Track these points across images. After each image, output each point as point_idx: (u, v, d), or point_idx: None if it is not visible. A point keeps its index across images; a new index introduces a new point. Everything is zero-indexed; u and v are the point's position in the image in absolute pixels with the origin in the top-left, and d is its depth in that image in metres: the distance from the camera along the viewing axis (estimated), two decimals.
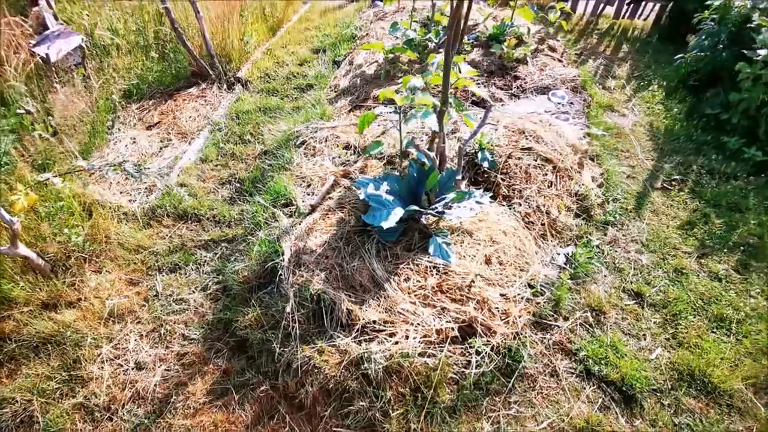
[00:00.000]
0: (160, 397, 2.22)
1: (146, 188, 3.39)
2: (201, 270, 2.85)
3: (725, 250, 2.96)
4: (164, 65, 4.62)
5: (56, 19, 3.86)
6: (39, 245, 2.74)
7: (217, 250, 2.97)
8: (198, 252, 2.95)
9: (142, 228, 3.09)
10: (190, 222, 3.17)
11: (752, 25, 3.93)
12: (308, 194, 3.13)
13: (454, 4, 2.26)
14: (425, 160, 2.80)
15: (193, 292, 2.71)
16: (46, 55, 3.45)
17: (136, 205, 3.21)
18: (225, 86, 4.65)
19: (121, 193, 3.34)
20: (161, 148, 3.84)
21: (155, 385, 2.26)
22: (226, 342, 2.43)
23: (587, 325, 2.54)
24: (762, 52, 3.53)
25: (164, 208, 3.20)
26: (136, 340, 2.46)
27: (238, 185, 3.45)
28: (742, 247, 2.97)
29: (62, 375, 2.28)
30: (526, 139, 3.46)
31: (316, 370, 2.16)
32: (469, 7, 4.35)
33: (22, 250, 2.52)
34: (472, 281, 2.47)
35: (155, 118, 4.16)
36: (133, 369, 2.33)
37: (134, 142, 3.83)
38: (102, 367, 2.32)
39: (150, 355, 2.39)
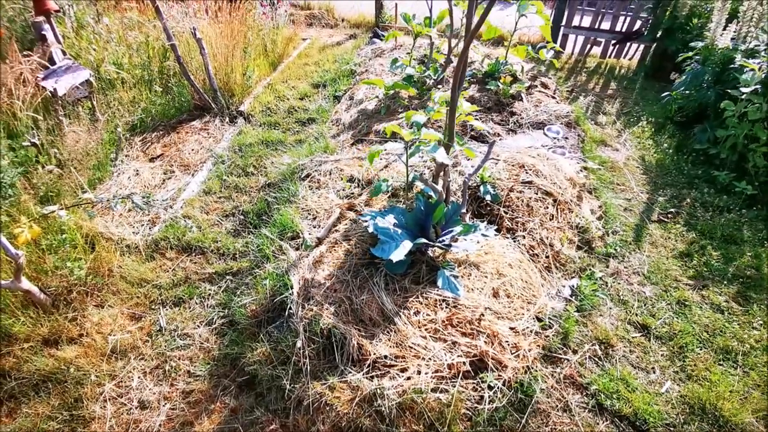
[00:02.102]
0: None
1: (149, 220, 3.38)
2: (206, 304, 2.82)
3: (725, 282, 3.02)
4: (167, 99, 4.69)
5: (64, 54, 3.92)
6: (40, 279, 2.69)
7: (222, 283, 2.94)
8: (202, 285, 2.92)
9: (145, 261, 3.06)
10: (194, 254, 3.15)
11: (735, 66, 4.15)
12: (314, 227, 3.14)
13: (463, 45, 2.37)
14: (431, 194, 2.85)
15: (198, 326, 2.67)
16: (54, 89, 3.49)
17: (138, 238, 3.19)
18: (227, 119, 4.72)
19: (123, 225, 3.32)
20: (164, 180, 3.85)
21: (160, 425, 2.19)
22: (233, 379, 2.37)
23: (596, 359, 2.55)
24: (746, 90, 3.71)
25: (168, 241, 3.18)
26: (139, 377, 2.39)
27: (242, 217, 3.45)
28: (740, 279, 3.03)
29: (63, 414, 2.20)
30: (526, 173, 3.54)
31: (327, 408, 2.12)
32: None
33: (25, 284, 2.47)
34: (482, 315, 2.48)
35: (158, 150, 4.18)
36: (136, 408, 2.26)
37: (137, 174, 3.83)
38: (104, 406, 2.25)
39: (154, 393, 2.32)
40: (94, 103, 3.90)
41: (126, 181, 3.74)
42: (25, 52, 3.70)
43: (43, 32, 3.80)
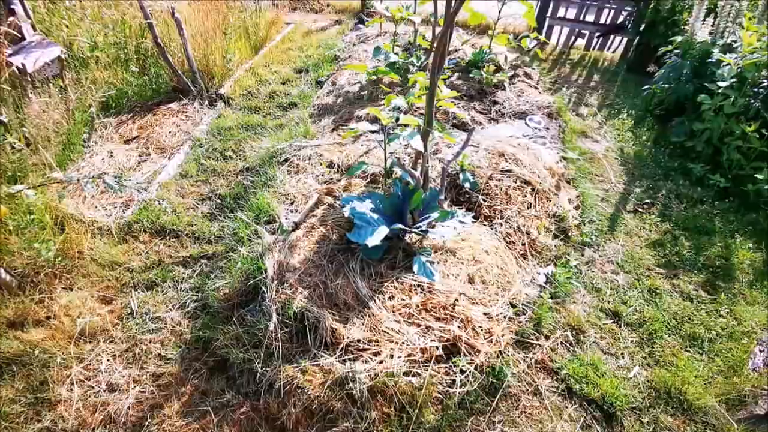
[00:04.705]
0: (133, 420, 2.11)
1: (123, 203, 3.30)
2: (179, 287, 2.77)
3: (695, 271, 3.09)
4: (144, 79, 4.56)
5: (34, 29, 3.78)
6: (4, 259, 2.61)
7: (196, 267, 2.90)
8: (176, 269, 2.87)
9: (117, 243, 3.00)
10: (168, 238, 3.09)
11: (713, 60, 4.21)
12: (291, 211, 3.11)
13: (438, 31, 2.35)
14: (410, 180, 2.84)
15: (171, 310, 2.63)
16: (22, 65, 3.36)
17: (111, 220, 3.12)
18: (206, 102, 4.62)
19: (95, 207, 3.24)
20: (139, 163, 3.76)
21: (128, 407, 2.15)
22: (204, 362, 2.35)
23: (567, 344, 2.58)
24: (722, 84, 3.77)
25: (141, 224, 3.12)
26: (108, 360, 2.35)
27: (219, 201, 3.40)
28: (710, 269, 3.10)
29: (28, 398, 2.15)
30: (506, 161, 3.55)
31: (299, 391, 2.11)
32: (450, 34, 4.50)
33: None
34: (456, 300, 2.49)
35: (134, 132, 4.08)
36: (105, 391, 2.22)
37: (111, 155, 3.74)
38: (71, 389, 2.20)
39: (123, 376, 2.28)
40: (66, 81, 3.78)
41: (99, 163, 3.65)
42: None
43: (12, 6, 3.65)
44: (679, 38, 4.63)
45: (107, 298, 2.67)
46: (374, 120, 4.17)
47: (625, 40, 6.36)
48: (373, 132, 2.64)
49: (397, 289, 2.53)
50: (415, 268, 2.56)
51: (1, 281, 2.49)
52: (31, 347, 2.32)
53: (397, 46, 5.14)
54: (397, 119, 2.64)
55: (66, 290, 2.66)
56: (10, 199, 2.85)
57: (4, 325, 2.41)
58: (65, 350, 2.35)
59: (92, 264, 2.81)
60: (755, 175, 3.58)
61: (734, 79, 3.75)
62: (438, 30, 4.80)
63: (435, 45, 2.38)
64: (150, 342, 2.45)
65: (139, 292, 2.72)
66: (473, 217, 3.09)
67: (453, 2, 2.28)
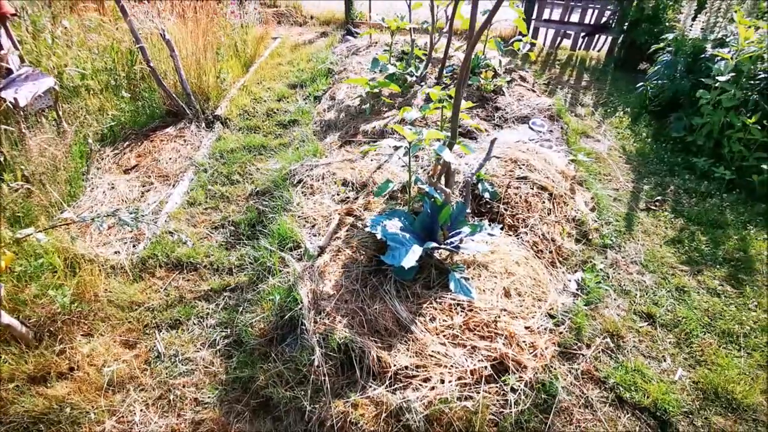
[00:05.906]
0: None
1: (132, 237, 3.16)
2: (204, 324, 2.65)
3: (717, 266, 3.12)
4: (137, 105, 4.41)
5: (22, 60, 3.60)
6: (19, 310, 2.46)
7: (220, 300, 2.78)
8: (199, 304, 2.75)
9: (133, 282, 2.85)
10: (185, 271, 2.96)
11: (706, 56, 4.31)
12: (314, 235, 3.02)
13: (435, 39, 2.31)
14: (435, 195, 2.79)
15: (200, 349, 2.51)
16: (15, 99, 3.19)
17: (123, 257, 2.97)
18: (203, 125, 4.49)
19: (104, 244, 3.08)
20: (143, 193, 3.61)
21: None
22: (246, 403, 2.24)
23: (609, 351, 2.57)
24: (722, 79, 3.85)
25: (156, 258, 2.98)
26: (142, 410, 2.21)
27: (233, 228, 3.28)
28: (731, 262, 3.14)
29: None
30: (520, 168, 3.54)
31: (353, 427, 2.03)
32: (449, 42, 4.50)
33: (5, 318, 2.24)
34: (498, 316, 2.44)
35: (132, 161, 3.92)
36: None
37: (113, 187, 3.58)
38: None
39: (161, 427, 2.15)
40: (60, 112, 3.61)
41: (101, 196, 3.49)
42: None
43: None
44: (670, 36, 4.72)
45: (130, 341, 2.54)
46: (381, 133, 4.12)
47: (609, 38, 6.47)
48: (397, 148, 2.58)
49: (436, 309, 2.48)
50: (452, 286, 2.51)
51: (18, 334, 2.33)
52: (57, 403, 2.17)
53: (392, 56, 5.11)
54: (422, 134, 2.59)
55: (86, 337, 2.51)
56: (14, 244, 2.69)
57: (25, 381, 2.25)
58: (95, 403, 2.20)
59: (110, 306, 2.66)
60: (762, 166, 3.65)
61: (732, 73, 3.83)
62: (435, 37, 4.80)
63: (446, 58, 2.33)
64: (183, 386, 2.32)
65: (163, 333, 2.59)
66: (500, 228, 3.06)
67: (475, 19, 2.24)
